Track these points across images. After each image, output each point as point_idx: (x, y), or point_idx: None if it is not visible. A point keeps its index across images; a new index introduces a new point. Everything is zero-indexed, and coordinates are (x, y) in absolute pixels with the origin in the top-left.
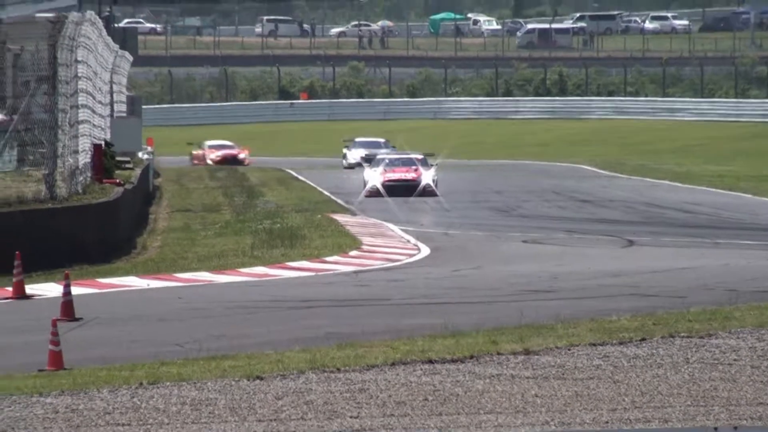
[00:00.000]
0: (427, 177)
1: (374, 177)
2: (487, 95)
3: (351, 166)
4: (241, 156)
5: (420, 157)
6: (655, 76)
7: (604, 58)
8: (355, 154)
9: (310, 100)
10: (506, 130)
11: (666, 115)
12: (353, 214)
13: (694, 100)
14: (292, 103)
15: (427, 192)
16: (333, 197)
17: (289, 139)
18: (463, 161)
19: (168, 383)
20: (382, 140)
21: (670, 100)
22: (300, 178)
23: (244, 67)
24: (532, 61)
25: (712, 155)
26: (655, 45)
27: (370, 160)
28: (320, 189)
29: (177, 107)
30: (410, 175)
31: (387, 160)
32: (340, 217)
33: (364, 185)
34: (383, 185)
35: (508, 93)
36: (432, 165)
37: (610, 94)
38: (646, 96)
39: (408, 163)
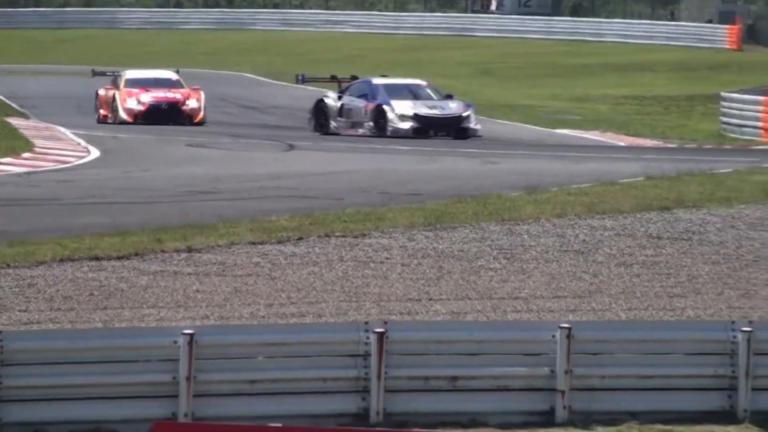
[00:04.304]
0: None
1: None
2: (159, 6)
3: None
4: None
5: (176, 77)
6: None
7: None
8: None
9: None
10: (176, 40)
11: (329, 27)
12: (26, 117)
13: (355, 12)
14: None
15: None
16: (7, 101)
17: None
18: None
19: None
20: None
21: (332, 13)
22: None
23: None
24: None
25: (370, 66)
26: None
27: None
28: None
29: None
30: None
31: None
32: (13, 120)
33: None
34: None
35: (178, 5)
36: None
37: (275, 6)
38: (310, 9)
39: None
